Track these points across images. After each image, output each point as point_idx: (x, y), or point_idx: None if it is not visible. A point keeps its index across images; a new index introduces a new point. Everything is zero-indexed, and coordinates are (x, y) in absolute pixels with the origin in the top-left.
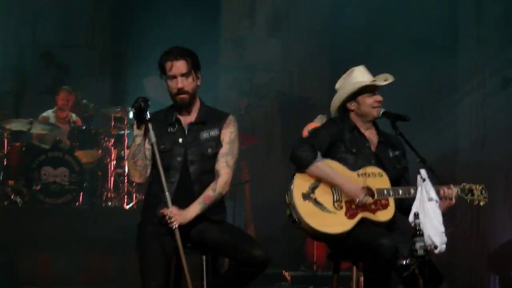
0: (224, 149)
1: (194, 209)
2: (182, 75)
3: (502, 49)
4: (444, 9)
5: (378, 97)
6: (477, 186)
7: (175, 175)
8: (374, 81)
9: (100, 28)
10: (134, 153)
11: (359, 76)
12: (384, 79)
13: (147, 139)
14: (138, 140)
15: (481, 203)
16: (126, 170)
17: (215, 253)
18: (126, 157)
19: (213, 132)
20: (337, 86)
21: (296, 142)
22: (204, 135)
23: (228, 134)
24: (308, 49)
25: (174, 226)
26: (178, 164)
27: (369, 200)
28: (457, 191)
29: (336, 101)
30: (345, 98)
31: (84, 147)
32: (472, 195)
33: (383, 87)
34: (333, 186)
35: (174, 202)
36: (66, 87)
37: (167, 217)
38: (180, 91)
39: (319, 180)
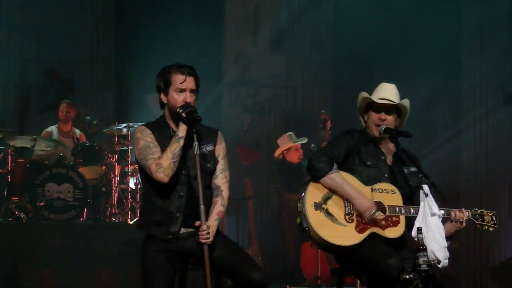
0: (221, 165)
1: (214, 226)
2: (191, 91)
3: (504, 65)
4: (448, 25)
5: (382, 116)
6: (488, 212)
7: (183, 189)
8: (381, 98)
9: (104, 44)
10: (176, 153)
11: (380, 91)
12: (396, 99)
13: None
14: (182, 142)
15: (490, 229)
16: (131, 185)
17: (215, 271)
18: (164, 157)
19: (209, 148)
20: None
21: (315, 153)
22: (202, 150)
23: (222, 149)
24: (312, 65)
25: (209, 241)
26: (184, 177)
27: (380, 216)
28: (468, 215)
29: (358, 108)
30: (358, 108)
31: (88, 163)
32: (483, 220)
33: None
34: (346, 199)
35: (184, 217)
36: (66, 100)
37: (204, 231)
38: (187, 104)
39: (332, 191)
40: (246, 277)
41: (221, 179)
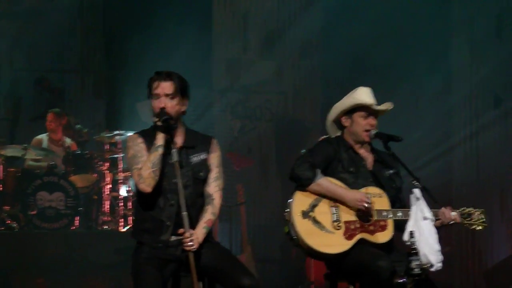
0: (214, 173)
1: (201, 234)
2: (167, 95)
3: (494, 67)
4: (437, 27)
5: (372, 121)
6: (477, 210)
7: (173, 198)
8: (371, 104)
9: (94, 52)
10: (155, 162)
11: (361, 95)
12: (386, 107)
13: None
14: (161, 150)
15: (479, 227)
16: (123, 192)
17: (208, 279)
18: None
19: (202, 156)
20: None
21: (296, 162)
22: (195, 159)
23: (216, 158)
24: (302, 70)
25: (194, 249)
26: (174, 185)
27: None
28: (457, 215)
29: (333, 112)
30: (340, 112)
31: (79, 171)
32: (470, 219)
33: (382, 113)
34: (333, 202)
35: (175, 226)
36: (54, 109)
37: (188, 239)
38: (162, 111)
39: (319, 199)
40: (236, 283)
41: (213, 187)
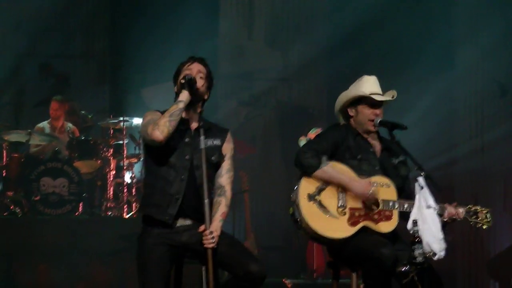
0: (227, 165)
1: (219, 228)
2: (199, 71)
3: (499, 56)
4: (442, 17)
5: (377, 111)
6: (483, 210)
7: (184, 174)
8: (375, 94)
9: (99, 38)
10: (173, 113)
11: (366, 85)
12: (391, 96)
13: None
14: (182, 105)
15: (484, 227)
16: (127, 179)
17: (213, 265)
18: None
19: (216, 142)
20: (349, 88)
21: (301, 148)
22: (209, 142)
23: (230, 149)
24: (307, 58)
25: (214, 246)
26: (187, 162)
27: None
28: (463, 212)
29: (338, 102)
30: (345, 102)
31: (83, 157)
32: (477, 217)
33: (387, 103)
34: (340, 188)
35: (183, 202)
36: (57, 97)
37: (209, 237)
38: (188, 75)
39: (326, 183)
40: (244, 269)
41: (225, 179)
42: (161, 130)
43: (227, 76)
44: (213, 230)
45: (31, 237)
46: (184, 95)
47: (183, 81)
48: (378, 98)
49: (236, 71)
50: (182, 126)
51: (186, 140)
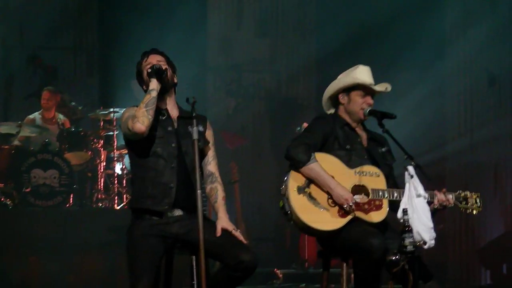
0: (212, 151)
1: (227, 221)
2: (159, 61)
3: (488, 47)
4: (432, 7)
5: (369, 100)
6: (473, 194)
7: (173, 161)
8: (372, 84)
9: (88, 30)
10: (148, 103)
11: (361, 74)
12: (385, 87)
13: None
14: (154, 93)
15: (474, 212)
16: (117, 170)
17: (204, 255)
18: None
19: (200, 128)
20: (339, 76)
21: (292, 141)
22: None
23: (211, 136)
24: (296, 49)
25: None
26: (174, 150)
27: (363, 199)
28: (452, 198)
29: (331, 88)
30: (339, 89)
31: (74, 149)
32: (466, 203)
33: (378, 94)
34: (332, 177)
35: (178, 189)
36: (48, 87)
37: (236, 234)
38: (155, 65)
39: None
40: (236, 259)
41: (213, 166)
42: (141, 121)
43: (216, 67)
44: (225, 225)
45: (21, 229)
46: (154, 84)
47: (149, 70)
48: (377, 88)
49: (225, 62)
50: (161, 116)
51: (169, 128)
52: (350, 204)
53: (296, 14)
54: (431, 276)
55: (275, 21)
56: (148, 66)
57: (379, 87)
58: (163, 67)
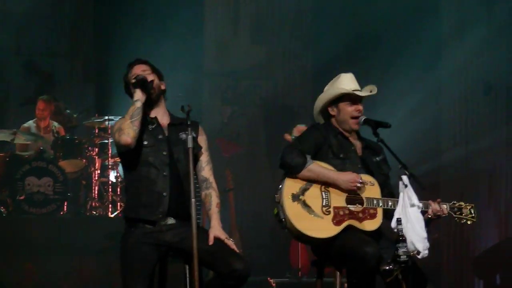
0: (205, 157)
1: (220, 229)
2: (143, 70)
3: (484, 55)
4: (429, 14)
5: (359, 107)
6: (467, 205)
7: (165, 169)
8: (355, 90)
9: (83, 36)
10: (133, 114)
11: (345, 82)
12: (370, 90)
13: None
14: (139, 104)
15: (468, 222)
16: (112, 178)
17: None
18: (114, 127)
19: (192, 134)
20: (325, 88)
21: (284, 150)
22: (184, 136)
23: (204, 141)
24: (292, 57)
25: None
26: (166, 158)
27: (358, 208)
28: (447, 208)
29: (319, 102)
30: (325, 102)
31: (68, 156)
32: (461, 213)
33: (367, 98)
34: (324, 187)
35: (171, 197)
36: (43, 96)
37: (229, 242)
38: (137, 75)
39: (310, 183)
40: (229, 267)
41: (207, 171)
42: (127, 133)
43: (211, 74)
44: (217, 233)
45: (16, 236)
46: (138, 94)
47: (134, 81)
48: (361, 93)
49: (220, 69)
50: (150, 125)
51: (160, 136)
52: (360, 181)
53: (293, 21)
54: (426, 284)
55: (272, 28)
56: (134, 76)
57: (364, 92)
58: (147, 77)
